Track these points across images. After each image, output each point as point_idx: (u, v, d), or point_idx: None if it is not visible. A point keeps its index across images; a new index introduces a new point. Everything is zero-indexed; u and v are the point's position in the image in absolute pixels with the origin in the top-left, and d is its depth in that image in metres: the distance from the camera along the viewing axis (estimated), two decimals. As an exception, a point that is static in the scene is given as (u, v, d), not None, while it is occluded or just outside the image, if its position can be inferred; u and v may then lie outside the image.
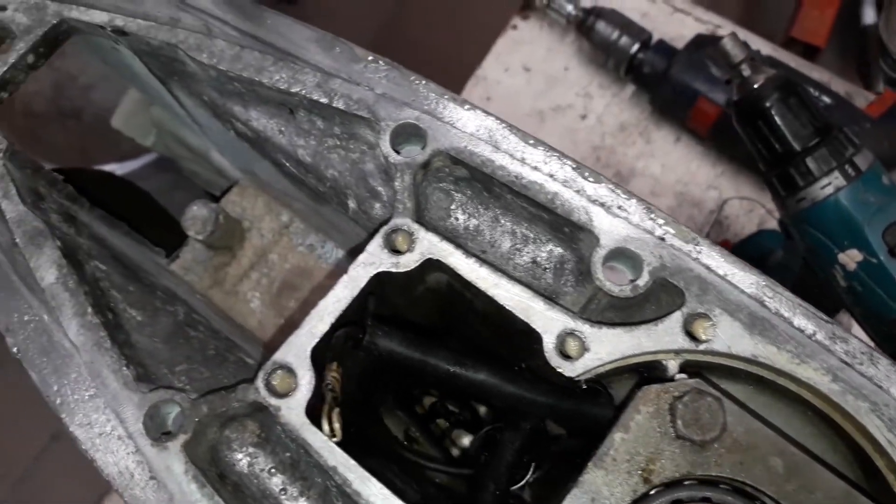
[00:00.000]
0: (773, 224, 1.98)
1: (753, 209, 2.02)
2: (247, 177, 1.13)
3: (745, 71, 1.44)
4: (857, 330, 1.10)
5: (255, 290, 1.11)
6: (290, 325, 1.12)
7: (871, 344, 0.74)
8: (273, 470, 0.74)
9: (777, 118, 1.44)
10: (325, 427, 0.66)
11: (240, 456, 0.74)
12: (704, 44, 2.03)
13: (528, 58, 2.21)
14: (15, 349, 0.77)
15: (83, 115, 1.82)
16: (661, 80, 2.03)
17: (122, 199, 1.20)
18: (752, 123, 1.48)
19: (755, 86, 1.42)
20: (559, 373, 0.71)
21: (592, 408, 0.74)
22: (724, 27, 2.23)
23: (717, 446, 0.65)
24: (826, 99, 1.94)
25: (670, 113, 2.11)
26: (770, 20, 3.26)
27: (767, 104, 1.41)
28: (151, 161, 1.88)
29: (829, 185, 1.44)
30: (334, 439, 0.66)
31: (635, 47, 2.06)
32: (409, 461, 0.84)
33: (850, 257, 1.41)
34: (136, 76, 1.01)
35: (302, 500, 0.73)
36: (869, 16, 2.94)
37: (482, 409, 0.98)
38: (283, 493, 0.73)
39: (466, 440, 0.97)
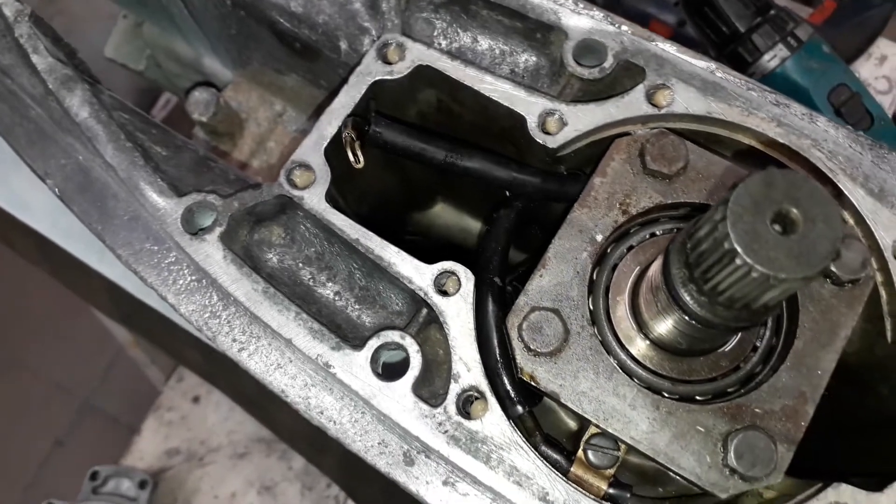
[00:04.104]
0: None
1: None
2: (239, 73, 1.22)
3: (689, -35, 1.56)
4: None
5: (257, 176, 1.20)
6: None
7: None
8: (301, 264, 0.83)
9: (721, 2, 1.57)
10: (350, 156, 0.75)
11: (270, 255, 0.83)
12: (649, -32, 2.16)
13: None
14: (56, 190, 0.86)
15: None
16: (614, 8, 2.15)
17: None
18: (699, 12, 1.61)
19: (699, -23, 1.53)
20: (543, 148, 0.81)
21: (575, 185, 0.84)
22: (666, -45, 2.35)
23: (683, 178, 0.76)
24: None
25: (624, 36, 2.23)
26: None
27: (711, -9, 1.53)
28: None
29: (775, 56, 1.57)
30: (358, 165, 0.75)
31: (585, -22, 2.18)
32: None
33: (800, 119, 1.52)
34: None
35: (329, 284, 0.82)
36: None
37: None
38: (311, 280, 0.82)
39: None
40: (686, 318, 0.63)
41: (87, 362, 3.48)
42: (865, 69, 2.29)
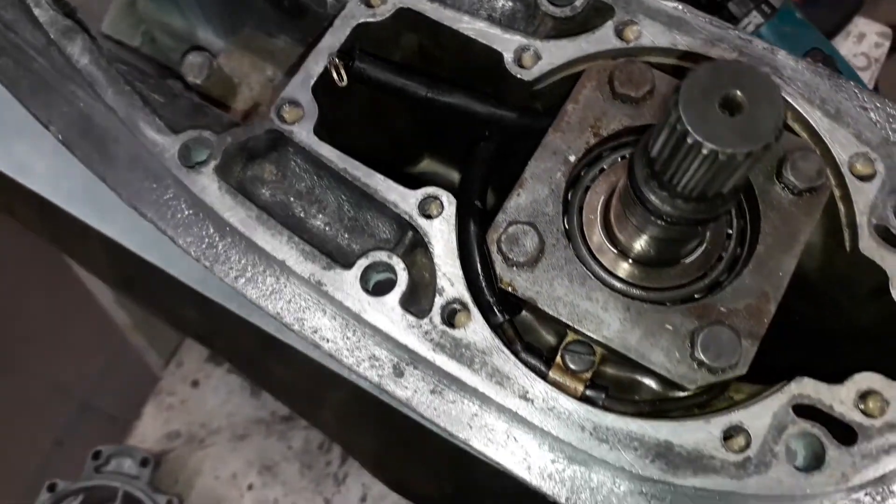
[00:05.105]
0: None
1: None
2: (231, 40, 1.27)
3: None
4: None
5: (251, 136, 1.24)
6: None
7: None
8: (292, 199, 0.88)
9: (696, -28, 1.62)
10: (335, 75, 0.80)
11: (263, 190, 0.88)
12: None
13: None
14: (59, 136, 0.90)
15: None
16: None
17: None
18: (675, -18, 1.65)
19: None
20: (520, 83, 0.86)
21: (550, 120, 0.88)
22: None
23: (650, 102, 0.81)
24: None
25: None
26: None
27: (685, -39, 1.58)
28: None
29: (750, 23, 1.63)
30: (342, 83, 0.80)
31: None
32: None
33: (775, 82, 1.58)
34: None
35: (320, 216, 0.87)
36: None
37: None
38: (302, 213, 0.87)
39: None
40: (651, 217, 0.68)
41: (85, 362, 3.50)
42: (844, 47, 2.35)
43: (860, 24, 2.47)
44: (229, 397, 2.47)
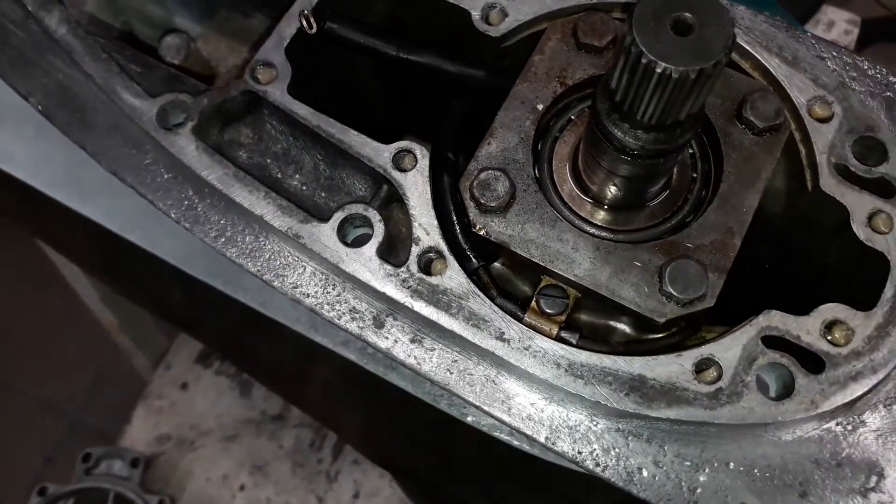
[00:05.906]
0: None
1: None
2: (207, 25, 1.29)
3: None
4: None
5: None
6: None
7: None
8: (269, 160, 0.89)
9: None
10: (304, 24, 0.82)
11: (240, 153, 0.89)
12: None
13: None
14: (39, 107, 0.92)
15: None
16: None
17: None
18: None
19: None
20: (488, 40, 0.88)
21: (520, 78, 0.91)
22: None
23: (613, 51, 0.83)
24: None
25: None
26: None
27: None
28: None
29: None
30: (311, 31, 0.82)
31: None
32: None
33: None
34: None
35: (296, 176, 0.89)
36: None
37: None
38: (279, 174, 0.89)
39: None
40: (615, 153, 0.70)
41: (74, 375, 3.48)
42: (815, 35, 2.39)
43: (829, 11, 2.53)
44: (219, 399, 2.48)
